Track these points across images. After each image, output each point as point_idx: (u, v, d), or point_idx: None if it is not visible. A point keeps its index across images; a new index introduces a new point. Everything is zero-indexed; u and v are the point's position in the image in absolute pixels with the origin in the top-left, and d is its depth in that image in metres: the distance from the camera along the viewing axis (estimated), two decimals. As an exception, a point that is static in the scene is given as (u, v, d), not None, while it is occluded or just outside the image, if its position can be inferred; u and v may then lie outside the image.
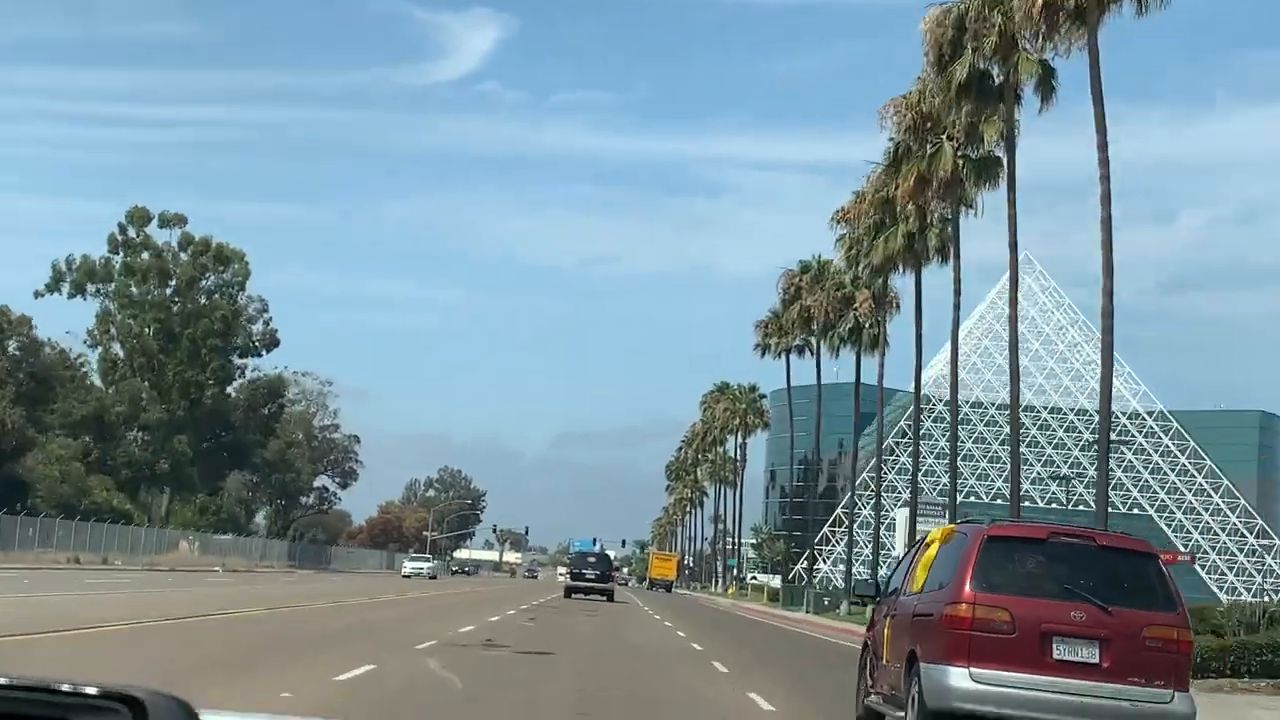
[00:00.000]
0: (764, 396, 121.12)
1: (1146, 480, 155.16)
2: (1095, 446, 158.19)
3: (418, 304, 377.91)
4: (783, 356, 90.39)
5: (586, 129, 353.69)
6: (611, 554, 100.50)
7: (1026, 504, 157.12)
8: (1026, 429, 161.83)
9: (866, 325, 67.84)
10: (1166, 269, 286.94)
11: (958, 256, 48.98)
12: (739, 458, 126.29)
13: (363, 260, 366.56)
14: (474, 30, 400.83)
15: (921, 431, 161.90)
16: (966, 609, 13.71)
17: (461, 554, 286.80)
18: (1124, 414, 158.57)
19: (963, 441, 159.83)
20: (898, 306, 63.16)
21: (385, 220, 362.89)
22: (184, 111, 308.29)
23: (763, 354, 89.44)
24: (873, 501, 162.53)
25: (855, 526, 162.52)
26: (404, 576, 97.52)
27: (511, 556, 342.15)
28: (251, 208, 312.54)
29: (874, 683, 16.79)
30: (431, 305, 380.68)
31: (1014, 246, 46.65)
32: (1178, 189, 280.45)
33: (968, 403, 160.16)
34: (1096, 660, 13.60)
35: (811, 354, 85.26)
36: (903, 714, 14.79)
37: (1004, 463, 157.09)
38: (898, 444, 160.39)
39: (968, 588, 13.78)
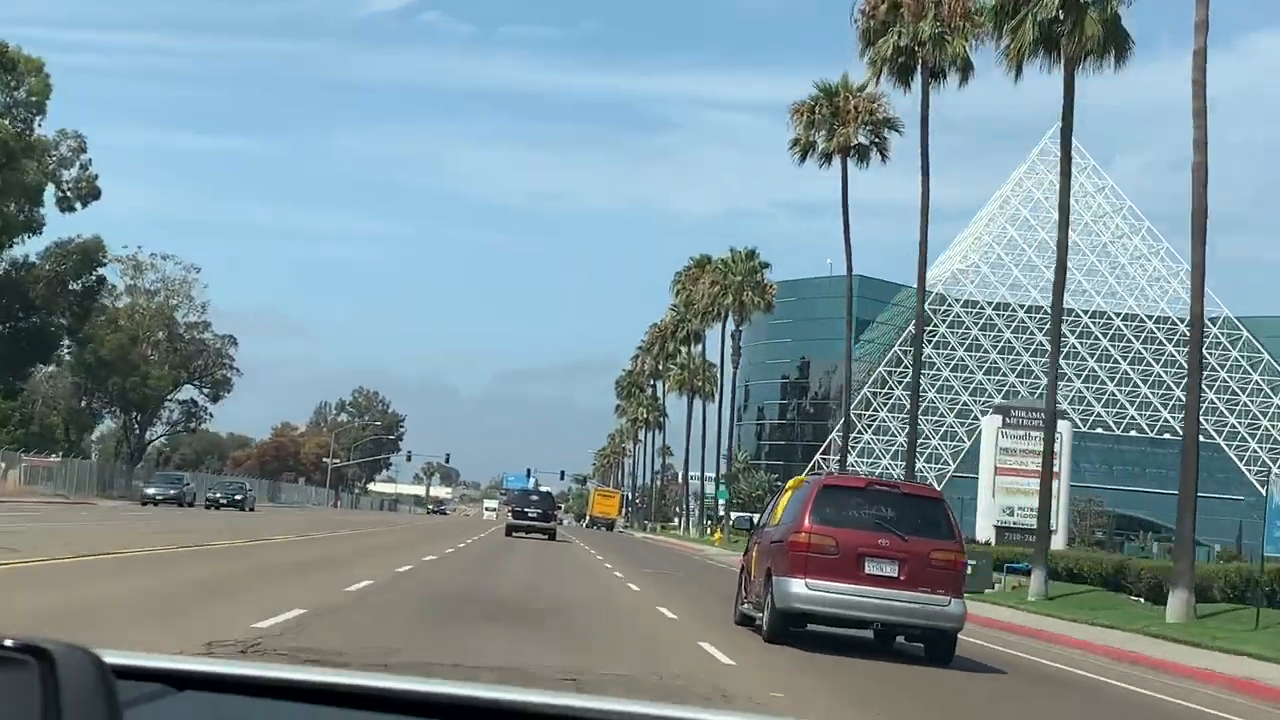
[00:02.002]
0: (767, 266, 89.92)
1: (1212, 401, 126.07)
2: (1159, 361, 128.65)
3: (360, 238, 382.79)
4: (836, 161, 54.00)
5: (535, 63, 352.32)
6: (549, 490, 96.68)
7: (1099, 431, 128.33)
8: (1094, 337, 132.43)
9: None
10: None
11: None
12: (726, 353, 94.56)
13: (305, 194, 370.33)
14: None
15: (935, 338, 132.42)
16: (805, 537, 18.61)
17: (385, 487, 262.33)
18: (1184, 320, 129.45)
19: (1002, 350, 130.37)
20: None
21: (329, 153, 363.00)
22: (121, 38, 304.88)
23: (803, 157, 54.21)
24: (874, 425, 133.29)
25: (854, 454, 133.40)
26: None
27: (441, 491, 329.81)
28: (197, 139, 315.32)
29: (746, 595, 21.53)
30: (375, 239, 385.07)
31: None
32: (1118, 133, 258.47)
33: (990, 304, 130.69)
34: (896, 574, 18.47)
35: (883, 159, 53.25)
36: (761, 614, 19.55)
37: (1074, 373, 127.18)
38: (905, 352, 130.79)
39: (807, 521, 18.69)
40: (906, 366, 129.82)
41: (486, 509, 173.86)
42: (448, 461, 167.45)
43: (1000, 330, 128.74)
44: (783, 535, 19.20)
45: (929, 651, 18.92)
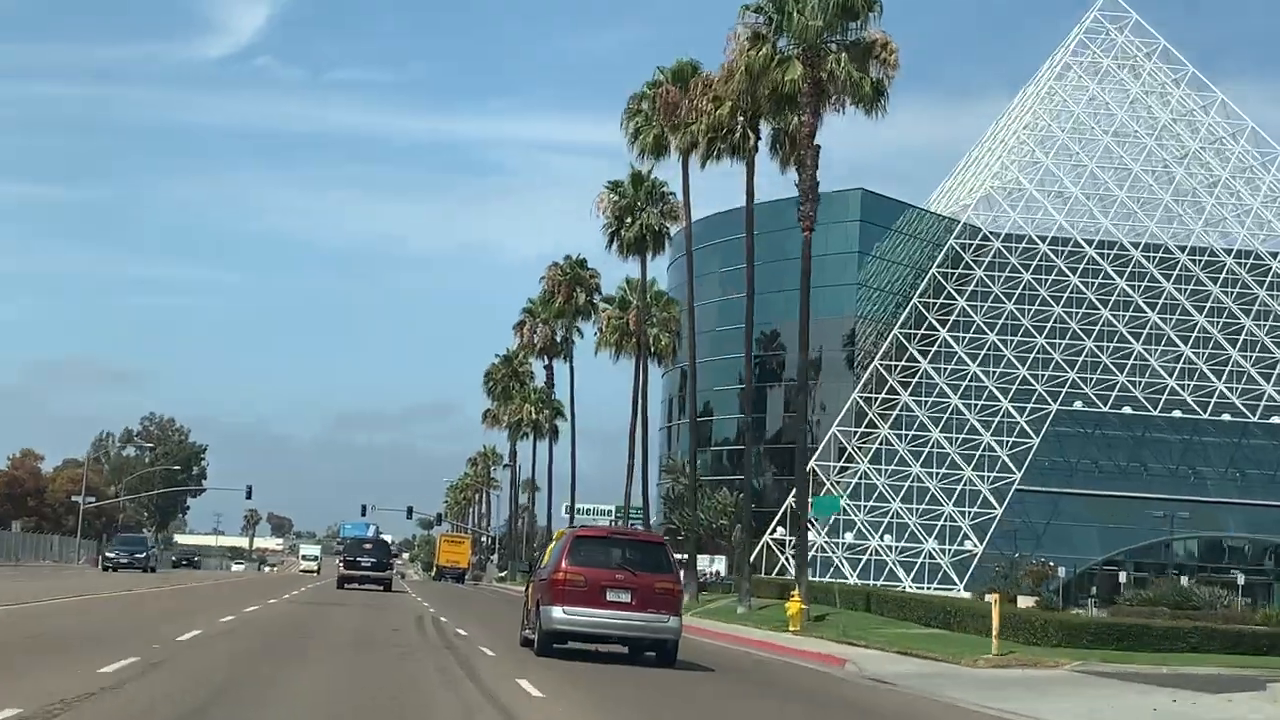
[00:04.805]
0: (874, 5, 47.08)
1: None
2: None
3: (190, 285, 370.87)
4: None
5: (366, 108, 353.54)
6: (390, 538, 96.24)
7: (1225, 418, 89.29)
8: (1197, 282, 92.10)
9: None
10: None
11: None
12: (753, 214, 48.63)
13: (133, 242, 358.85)
14: (245, 3, 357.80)
15: (970, 286, 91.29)
16: (562, 574, 24.41)
17: (204, 540, 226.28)
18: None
19: (1069, 304, 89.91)
20: None
21: (155, 199, 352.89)
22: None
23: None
24: (891, 414, 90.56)
25: (865, 460, 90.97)
26: None
27: (271, 543, 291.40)
28: (6, 188, 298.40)
29: (527, 622, 27.51)
30: (205, 286, 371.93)
31: None
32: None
33: (1043, 238, 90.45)
34: (629, 601, 24.28)
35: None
36: (534, 636, 25.43)
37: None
38: (929, 305, 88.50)
39: (563, 563, 24.61)
40: (933, 325, 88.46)
41: (305, 559, 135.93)
42: (249, 497, 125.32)
43: (1062, 275, 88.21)
44: (548, 574, 25.13)
45: (658, 657, 25.07)
